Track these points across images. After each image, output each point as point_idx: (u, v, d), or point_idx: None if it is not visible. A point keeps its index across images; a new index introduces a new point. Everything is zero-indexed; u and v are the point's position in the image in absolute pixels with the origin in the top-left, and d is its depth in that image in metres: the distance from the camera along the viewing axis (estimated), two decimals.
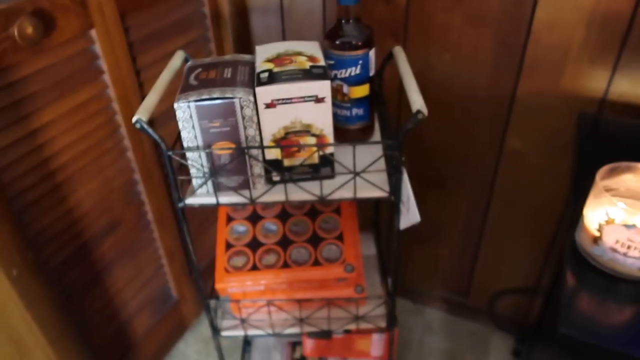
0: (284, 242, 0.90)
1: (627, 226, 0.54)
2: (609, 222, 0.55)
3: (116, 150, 0.95)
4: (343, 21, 0.74)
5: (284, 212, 0.94)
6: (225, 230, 0.92)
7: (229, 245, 0.91)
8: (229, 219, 0.94)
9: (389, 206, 1.24)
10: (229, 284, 0.87)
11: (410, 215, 0.72)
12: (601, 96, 0.90)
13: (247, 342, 1.22)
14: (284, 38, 1.14)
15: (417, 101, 0.64)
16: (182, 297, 1.27)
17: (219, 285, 0.87)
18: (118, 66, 0.89)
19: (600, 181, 0.57)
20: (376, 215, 1.11)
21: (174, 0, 0.99)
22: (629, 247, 0.54)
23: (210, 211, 1.28)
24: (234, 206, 0.94)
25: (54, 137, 0.81)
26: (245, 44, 1.18)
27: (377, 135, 0.85)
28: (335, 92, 0.77)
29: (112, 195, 0.97)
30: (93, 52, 0.85)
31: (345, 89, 0.77)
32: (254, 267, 0.88)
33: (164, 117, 1.03)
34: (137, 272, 1.10)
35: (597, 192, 0.57)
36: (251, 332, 0.91)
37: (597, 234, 0.56)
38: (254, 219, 0.93)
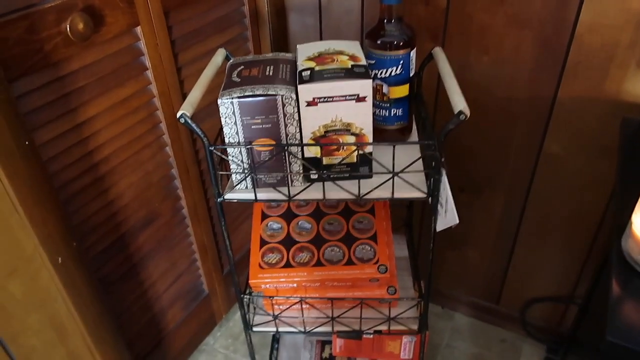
0: (318, 241, 0.91)
1: None
2: None
3: (156, 145, 0.97)
4: (385, 21, 0.74)
5: (318, 211, 0.94)
6: (260, 227, 0.93)
7: (263, 242, 0.92)
8: (264, 216, 0.95)
9: (422, 208, 1.25)
10: (262, 280, 0.88)
11: (448, 217, 0.72)
12: None
13: (275, 339, 1.23)
14: (321, 37, 1.15)
15: (459, 102, 0.64)
16: (212, 292, 1.29)
17: (252, 281, 0.88)
18: (161, 63, 0.91)
19: None
20: (409, 217, 1.10)
21: None
22: None
23: (243, 208, 1.30)
24: (271, 203, 0.95)
25: (98, 130, 0.84)
26: (283, 43, 1.19)
27: (414, 136, 0.85)
28: (375, 91, 0.77)
29: (150, 189, 1.00)
30: (138, 49, 0.87)
31: (385, 88, 0.77)
32: (288, 265, 0.88)
33: (204, 113, 1.05)
34: (170, 266, 1.12)
35: None
36: (282, 328, 0.92)
37: None
38: (289, 216, 0.94)
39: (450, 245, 1.28)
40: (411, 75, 0.77)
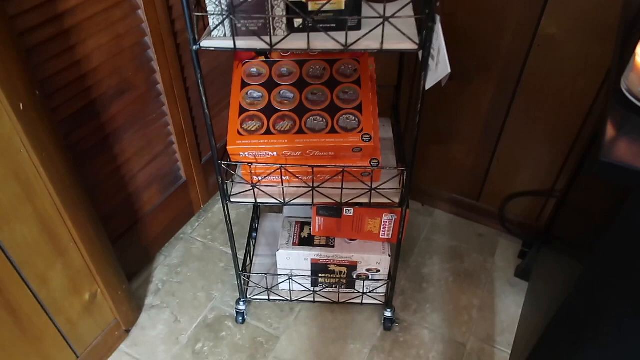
0: (300, 110, 0.87)
1: None
2: None
3: (127, 5, 0.89)
4: None
5: (302, 81, 0.89)
6: (240, 95, 0.88)
7: (242, 110, 0.87)
8: (244, 84, 0.89)
9: (411, 89, 1.20)
10: (241, 147, 0.84)
11: (439, 69, 0.67)
12: None
13: (254, 228, 1.22)
14: None
15: None
16: (190, 180, 1.25)
17: (231, 147, 0.84)
18: None
19: None
20: (396, 100, 1.06)
21: None
22: None
23: (224, 94, 1.24)
24: (251, 71, 0.89)
25: None
26: None
27: None
28: None
29: (122, 55, 0.93)
30: None
31: None
32: (268, 132, 0.85)
33: None
34: (146, 145, 1.07)
35: None
36: (261, 199, 0.90)
37: None
38: (270, 85, 0.89)
39: (434, 140, 1.25)
40: None
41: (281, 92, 0.89)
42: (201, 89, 0.73)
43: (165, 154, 1.15)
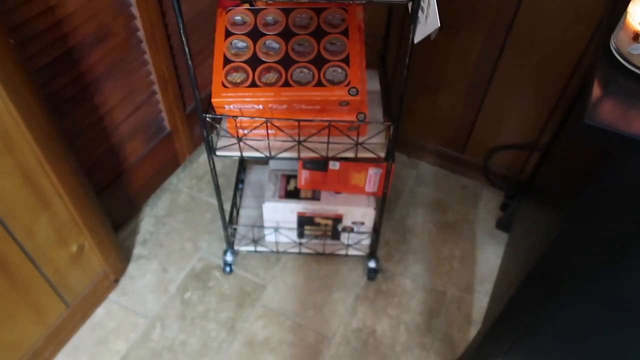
0: (286, 62, 0.85)
1: None
2: None
3: None
4: None
5: (288, 30, 0.87)
6: (224, 45, 0.86)
7: (227, 61, 0.85)
8: (228, 34, 0.86)
9: (399, 39, 1.17)
10: (226, 100, 0.83)
11: (428, 22, 0.66)
12: None
13: (240, 179, 1.22)
14: None
15: None
16: (175, 130, 1.24)
17: (215, 100, 0.83)
18: None
19: None
20: (384, 50, 1.04)
21: None
22: None
23: (207, 41, 1.20)
24: (236, 20, 0.86)
25: None
26: None
27: None
28: None
29: (99, 0, 0.88)
30: None
31: None
32: (253, 84, 0.83)
33: None
34: (128, 94, 1.05)
35: None
36: (247, 153, 0.89)
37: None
38: (255, 35, 0.86)
39: (422, 91, 1.24)
40: None
41: (266, 43, 0.86)
42: (183, 38, 0.71)
43: (148, 104, 1.12)
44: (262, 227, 1.10)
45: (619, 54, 0.53)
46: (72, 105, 0.93)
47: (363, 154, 0.89)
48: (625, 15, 0.52)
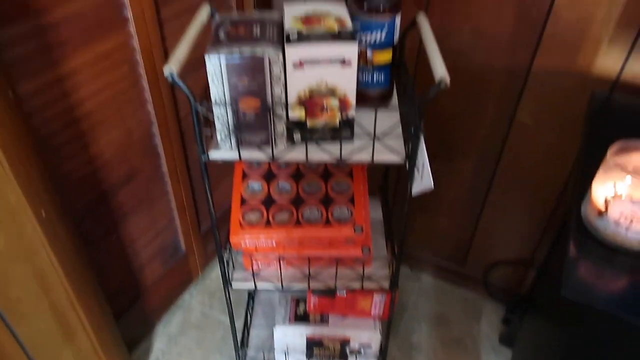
0: (297, 201, 0.94)
1: (632, 201, 0.57)
2: (616, 196, 0.58)
3: (137, 101, 0.97)
4: None
5: (298, 173, 0.97)
6: (241, 187, 0.95)
7: (243, 201, 0.94)
8: (244, 176, 0.97)
9: (398, 173, 1.28)
10: (243, 238, 0.90)
11: (424, 181, 0.75)
12: (615, 76, 0.92)
13: (251, 297, 1.27)
14: None
15: (440, 70, 0.66)
16: (190, 250, 1.31)
17: (233, 239, 0.91)
18: (143, 17, 0.90)
19: (612, 157, 0.60)
20: (384, 181, 1.14)
21: None
22: (632, 221, 0.58)
23: (222, 167, 1.31)
24: (252, 163, 0.97)
25: (80, 83, 0.83)
26: (265, 0, 1.18)
27: (394, 101, 0.87)
28: (359, 56, 0.79)
29: (131, 146, 1.00)
30: (120, 1, 0.85)
31: (369, 53, 0.78)
32: (268, 223, 0.91)
33: (185, 69, 1.04)
34: (150, 223, 1.13)
35: (607, 167, 0.60)
36: (260, 285, 0.96)
37: (603, 207, 0.59)
38: (269, 177, 0.96)
39: (420, 209, 1.33)
40: (395, 40, 0.79)
41: (279, 184, 0.96)
42: (210, 200, 0.80)
43: (167, 229, 1.21)
44: (272, 350, 1.14)
45: (587, 224, 0.61)
46: (99, 240, 1.01)
47: (369, 284, 0.95)
48: (590, 192, 0.60)
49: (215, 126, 0.74)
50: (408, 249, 1.42)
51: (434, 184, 0.73)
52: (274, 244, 0.92)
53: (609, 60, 0.91)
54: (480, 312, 1.34)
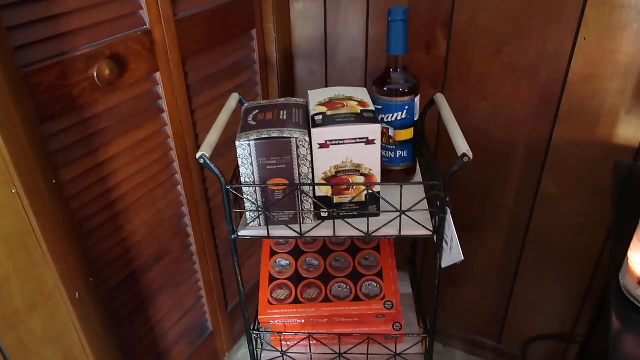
0: (325, 277, 0.93)
1: None
2: None
3: (169, 183, 1.01)
4: (391, 69, 0.79)
5: (325, 248, 0.97)
6: (269, 264, 0.96)
7: (272, 278, 0.94)
8: (273, 253, 0.97)
9: (425, 246, 1.28)
10: (272, 316, 0.90)
11: (453, 254, 0.75)
12: (638, 143, 0.92)
13: None
14: (326, 83, 1.21)
15: (462, 145, 0.69)
16: (217, 329, 1.29)
17: (262, 317, 0.90)
18: (176, 106, 0.96)
19: None
20: (413, 255, 1.13)
21: (228, 46, 1.07)
22: None
23: (249, 244, 1.32)
24: (280, 240, 0.98)
25: (117, 169, 0.88)
26: (290, 88, 1.25)
27: (418, 176, 0.89)
28: (382, 135, 0.82)
29: (162, 226, 1.03)
30: (156, 93, 0.92)
31: (392, 132, 0.82)
32: (296, 301, 0.91)
33: (215, 152, 1.09)
34: (178, 302, 1.14)
35: None
36: None
37: None
38: (297, 253, 0.97)
39: (450, 283, 1.30)
40: (415, 119, 0.82)
41: (307, 260, 0.96)
42: (239, 277, 0.81)
43: (194, 308, 1.20)
44: None
45: (628, 295, 0.59)
46: (128, 321, 1.01)
47: None
48: (627, 261, 0.59)
49: (244, 205, 0.76)
50: (440, 324, 1.37)
51: (463, 256, 0.72)
52: (303, 322, 0.91)
53: (629, 129, 0.92)
54: None
